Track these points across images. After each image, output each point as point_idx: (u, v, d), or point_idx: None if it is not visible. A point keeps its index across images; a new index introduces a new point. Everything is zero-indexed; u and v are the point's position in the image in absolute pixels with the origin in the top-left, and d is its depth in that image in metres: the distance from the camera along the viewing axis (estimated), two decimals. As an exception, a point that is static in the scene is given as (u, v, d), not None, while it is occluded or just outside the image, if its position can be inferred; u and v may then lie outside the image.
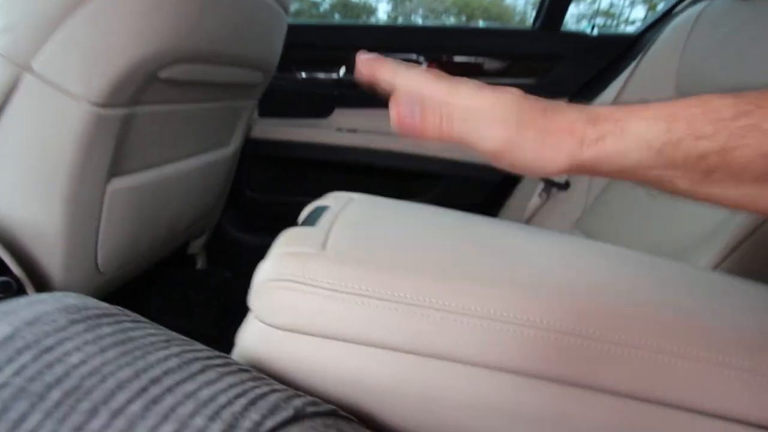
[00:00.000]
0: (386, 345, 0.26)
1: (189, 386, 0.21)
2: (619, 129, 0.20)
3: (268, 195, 1.12)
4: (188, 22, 0.54)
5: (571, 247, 0.35)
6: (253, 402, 0.21)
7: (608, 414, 0.26)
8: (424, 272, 0.27)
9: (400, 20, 6.63)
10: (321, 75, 1.07)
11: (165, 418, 0.20)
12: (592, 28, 1.27)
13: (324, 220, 0.33)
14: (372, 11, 6.09)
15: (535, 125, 0.21)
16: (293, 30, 0.99)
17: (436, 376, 0.26)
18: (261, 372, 0.26)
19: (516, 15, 5.75)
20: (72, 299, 0.26)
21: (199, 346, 0.25)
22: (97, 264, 0.63)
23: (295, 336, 0.27)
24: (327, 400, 0.25)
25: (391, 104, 0.23)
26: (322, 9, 5.39)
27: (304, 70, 1.07)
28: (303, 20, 1.36)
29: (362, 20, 5.33)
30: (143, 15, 0.49)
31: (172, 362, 0.22)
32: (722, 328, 0.26)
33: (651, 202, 0.71)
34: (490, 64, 1.03)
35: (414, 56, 1.05)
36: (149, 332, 0.25)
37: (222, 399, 0.21)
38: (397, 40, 1.05)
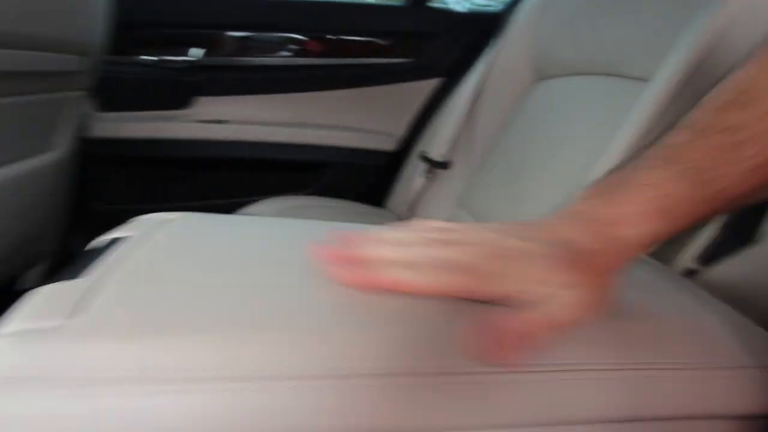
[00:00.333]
0: None
1: None
2: (622, 241, 0.23)
3: (124, 205, 0.95)
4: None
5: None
6: None
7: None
8: (216, 333, 0.20)
9: None
10: (173, 59, 0.92)
11: None
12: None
13: (98, 267, 0.24)
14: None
15: (582, 275, 0.22)
16: (133, 4, 0.83)
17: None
18: None
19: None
20: None
21: None
22: None
23: None
24: None
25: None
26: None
27: (150, 54, 0.91)
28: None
29: None
30: None
31: None
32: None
33: (527, 168, 0.72)
34: (366, 42, 0.98)
35: (286, 35, 0.95)
36: None
37: None
38: (262, 17, 0.94)
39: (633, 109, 0.51)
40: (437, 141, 0.87)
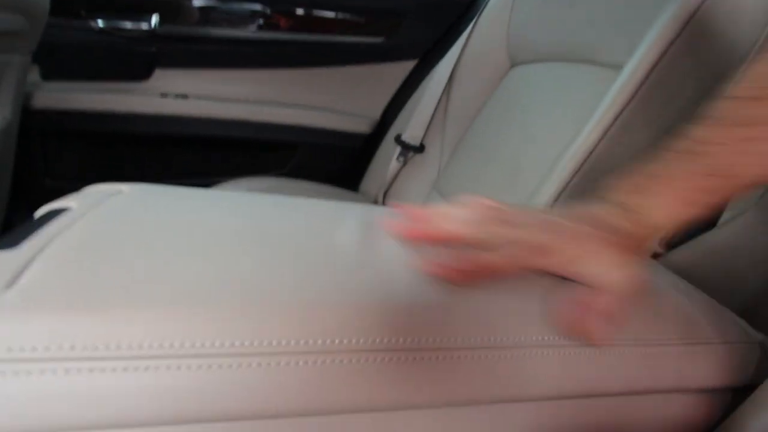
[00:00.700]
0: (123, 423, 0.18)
1: None
2: (655, 229, 0.25)
3: (76, 183, 0.88)
4: None
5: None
6: None
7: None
8: (160, 305, 0.19)
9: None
10: (127, 25, 0.84)
11: None
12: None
13: (37, 237, 0.22)
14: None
15: (627, 255, 0.25)
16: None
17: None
18: None
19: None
20: None
21: None
22: None
23: None
24: None
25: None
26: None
27: (101, 18, 0.83)
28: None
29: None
30: None
31: None
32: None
33: (500, 153, 0.73)
34: (335, 19, 0.95)
35: (256, 7, 0.90)
36: None
37: None
38: None
39: (606, 96, 0.51)
40: (412, 124, 0.87)
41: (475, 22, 0.83)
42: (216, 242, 0.23)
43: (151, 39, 0.84)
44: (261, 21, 0.92)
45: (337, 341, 0.19)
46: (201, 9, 0.90)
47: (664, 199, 0.25)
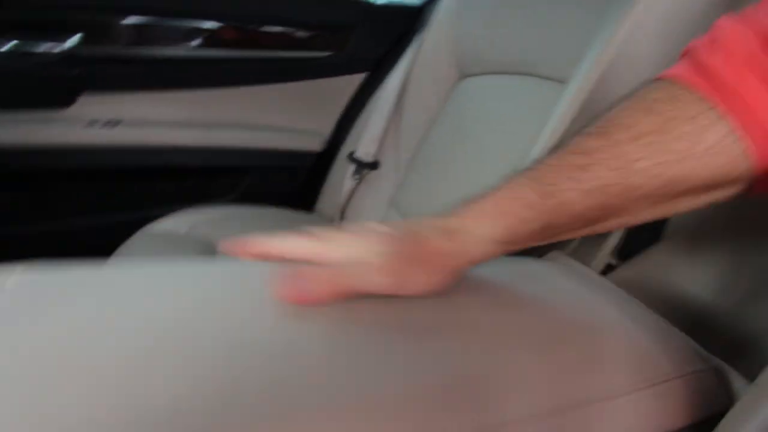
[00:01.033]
0: None
1: None
2: (471, 235, 0.25)
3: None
4: None
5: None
6: None
7: None
8: None
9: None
10: (39, 47, 0.75)
11: None
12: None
13: None
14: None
15: (413, 261, 0.24)
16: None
17: None
18: None
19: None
20: None
21: None
22: None
23: None
24: None
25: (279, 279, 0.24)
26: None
27: (13, 39, 0.74)
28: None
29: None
30: None
31: None
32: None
33: (455, 166, 0.72)
34: (281, 33, 0.91)
35: (195, 23, 0.85)
36: None
37: None
38: (167, 1, 0.83)
39: (555, 110, 0.51)
40: (365, 140, 0.84)
41: (423, 34, 0.82)
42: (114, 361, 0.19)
43: (71, 61, 0.77)
44: (201, 38, 0.87)
45: None
46: (134, 27, 0.83)
47: (482, 206, 0.26)
